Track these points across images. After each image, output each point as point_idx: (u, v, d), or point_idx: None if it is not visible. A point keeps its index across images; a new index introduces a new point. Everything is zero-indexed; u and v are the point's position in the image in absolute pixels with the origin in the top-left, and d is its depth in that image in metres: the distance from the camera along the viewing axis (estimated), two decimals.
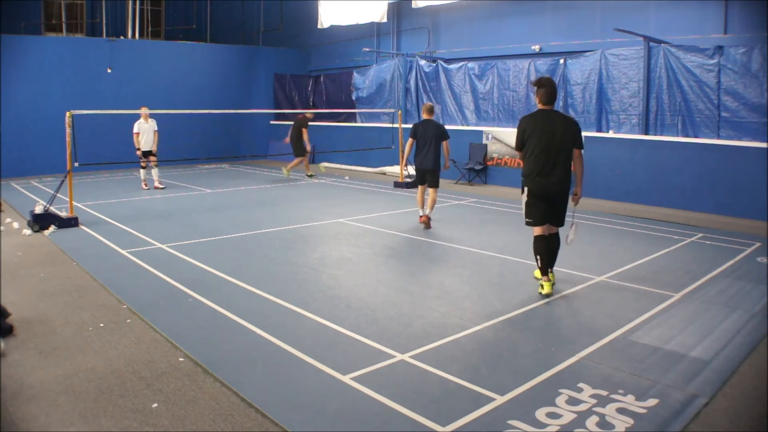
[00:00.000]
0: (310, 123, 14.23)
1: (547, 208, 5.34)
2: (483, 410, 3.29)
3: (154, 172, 12.41)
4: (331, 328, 4.52)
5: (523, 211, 5.46)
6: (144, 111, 11.75)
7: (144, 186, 12.31)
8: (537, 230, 5.39)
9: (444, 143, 8.26)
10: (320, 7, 17.75)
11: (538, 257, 5.38)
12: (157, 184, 12.44)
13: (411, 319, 4.75)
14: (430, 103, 8.67)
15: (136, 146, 11.94)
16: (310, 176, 14.38)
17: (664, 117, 11.00)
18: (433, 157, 8.18)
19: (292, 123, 14.73)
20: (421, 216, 8.45)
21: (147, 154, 12.04)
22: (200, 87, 17.64)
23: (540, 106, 5.41)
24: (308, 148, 14.08)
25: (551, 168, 5.25)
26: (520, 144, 5.45)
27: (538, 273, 5.62)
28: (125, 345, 4.23)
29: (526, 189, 5.41)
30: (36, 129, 14.77)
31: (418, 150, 8.27)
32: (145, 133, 11.95)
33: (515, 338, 4.36)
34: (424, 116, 8.43)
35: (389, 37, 17.28)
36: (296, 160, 14.21)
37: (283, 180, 14.09)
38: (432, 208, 8.40)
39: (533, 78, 12.87)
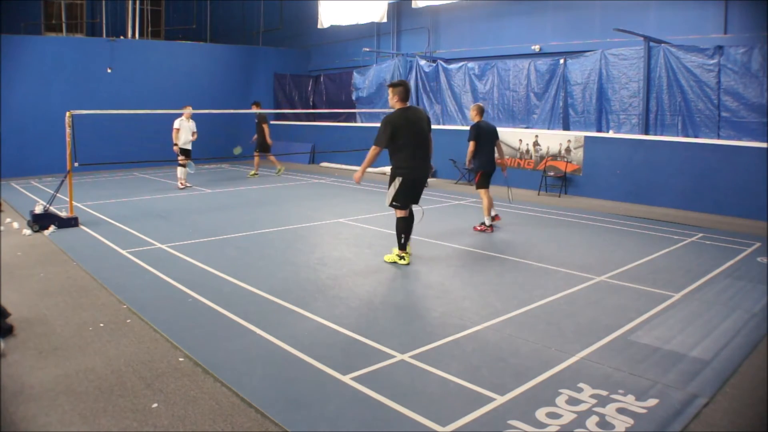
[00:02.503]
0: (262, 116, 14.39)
1: (417, 192, 6.22)
2: (483, 410, 3.28)
3: (182, 171, 12.41)
4: (331, 328, 4.51)
5: (391, 197, 6.15)
6: (188, 111, 12.02)
7: (180, 185, 12.31)
8: (402, 213, 6.18)
9: (498, 142, 8.40)
10: (320, 7, 17.75)
11: (403, 235, 6.18)
12: (183, 183, 12.42)
13: (411, 319, 4.75)
14: (482, 104, 8.51)
15: (174, 141, 12.08)
16: (253, 174, 14.64)
17: (664, 117, 11.00)
18: (493, 157, 8.30)
19: (257, 121, 14.58)
20: (495, 217, 8.46)
21: (185, 152, 12.19)
22: (200, 87, 17.64)
23: (399, 105, 6.10)
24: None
25: (422, 157, 6.15)
26: (386, 141, 6.01)
27: (393, 255, 6.31)
28: (125, 345, 4.23)
29: (399, 179, 6.08)
30: (36, 129, 14.77)
31: (483, 151, 8.14)
32: (185, 131, 12.15)
33: (515, 338, 4.36)
34: (477, 118, 8.26)
35: (389, 37, 17.28)
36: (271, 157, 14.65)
37: (283, 180, 14.09)
38: None
39: (533, 78, 12.91)
